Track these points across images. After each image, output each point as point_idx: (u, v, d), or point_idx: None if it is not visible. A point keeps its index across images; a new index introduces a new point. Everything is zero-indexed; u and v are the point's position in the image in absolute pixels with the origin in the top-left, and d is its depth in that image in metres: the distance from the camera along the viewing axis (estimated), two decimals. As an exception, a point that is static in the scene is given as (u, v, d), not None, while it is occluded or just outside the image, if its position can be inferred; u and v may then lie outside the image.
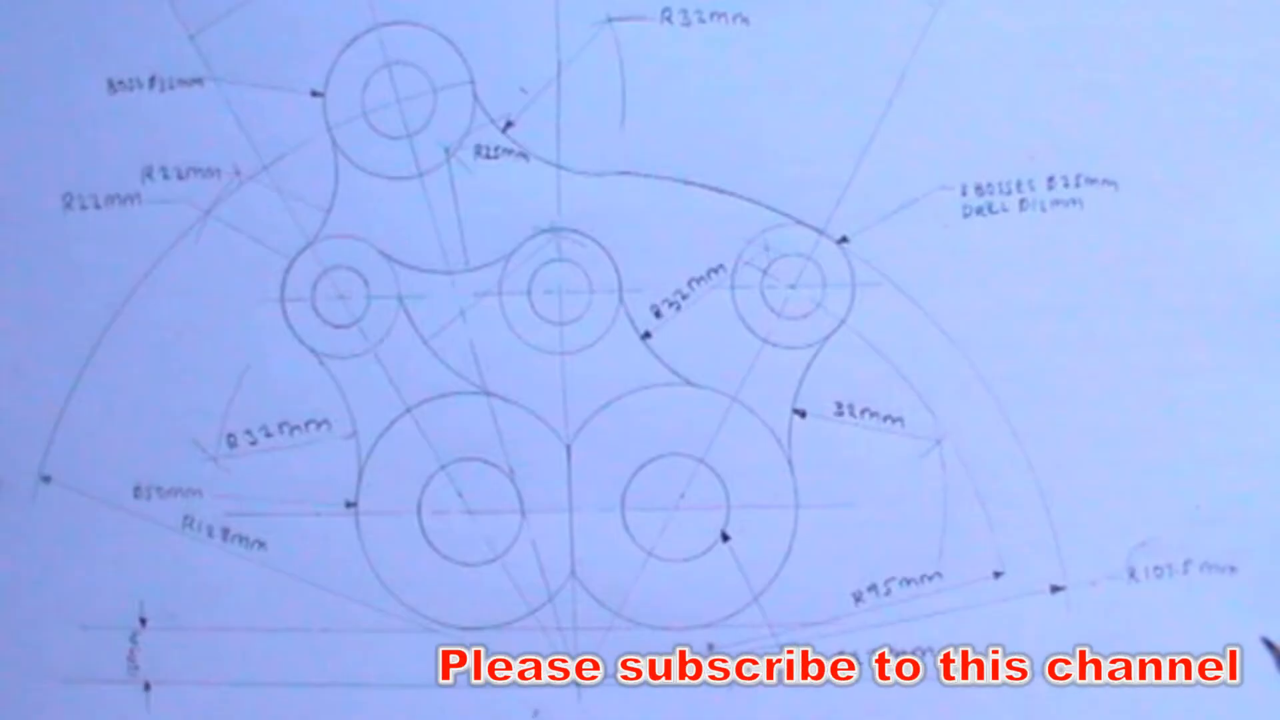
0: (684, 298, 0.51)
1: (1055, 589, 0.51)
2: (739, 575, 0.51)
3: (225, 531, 0.52)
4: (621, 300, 0.51)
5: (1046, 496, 0.50)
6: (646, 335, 0.51)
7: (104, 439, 0.52)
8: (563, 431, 0.51)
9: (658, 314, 0.51)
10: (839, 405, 0.51)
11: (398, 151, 0.51)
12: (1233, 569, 0.50)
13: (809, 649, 0.51)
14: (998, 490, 0.51)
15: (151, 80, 0.51)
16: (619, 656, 0.52)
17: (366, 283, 0.52)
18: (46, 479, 0.53)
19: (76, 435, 0.52)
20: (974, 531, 0.51)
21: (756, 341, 0.51)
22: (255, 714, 0.53)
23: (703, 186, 0.51)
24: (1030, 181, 0.50)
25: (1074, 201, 0.50)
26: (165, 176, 0.52)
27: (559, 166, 0.51)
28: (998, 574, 0.51)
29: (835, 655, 0.51)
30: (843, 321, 0.51)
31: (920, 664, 0.51)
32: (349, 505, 0.52)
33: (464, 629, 0.52)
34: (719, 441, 0.51)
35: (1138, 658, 0.50)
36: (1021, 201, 0.50)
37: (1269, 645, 0.50)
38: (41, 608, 0.53)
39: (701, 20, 0.50)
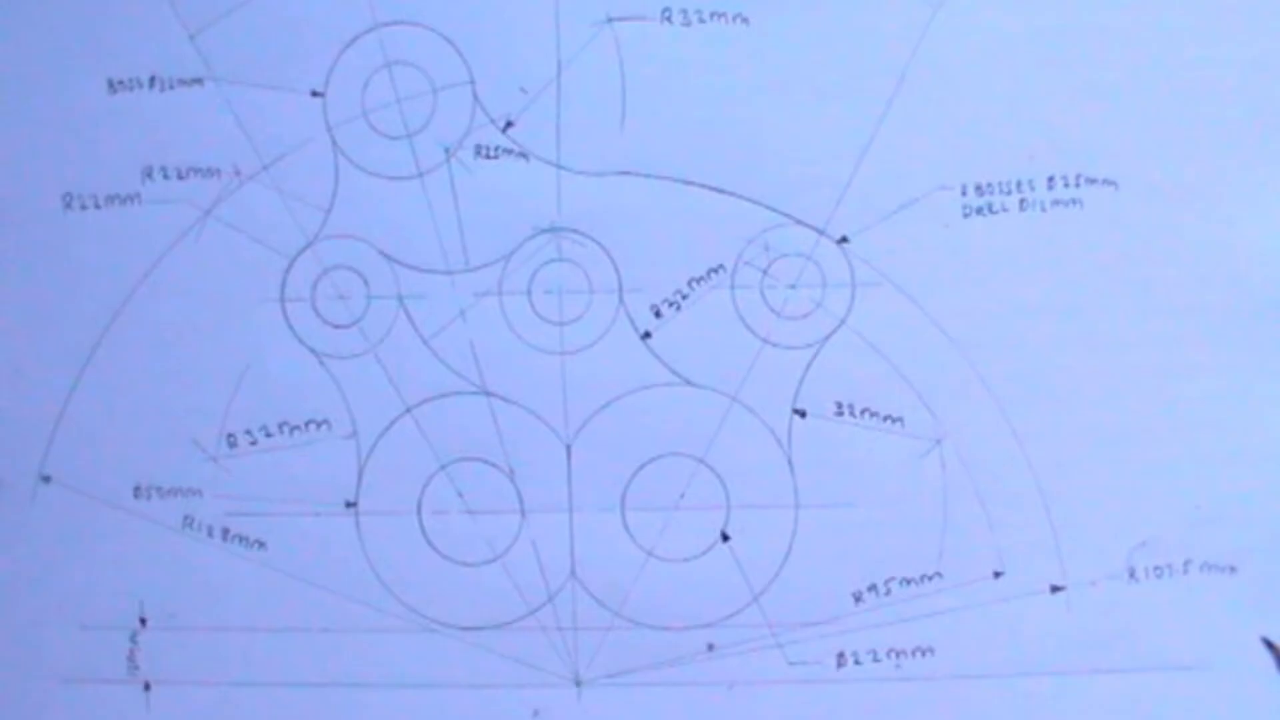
0: (684, 298, 0.51)
1: (1055, 589, 0.51)
2: (739, 575, 0.51)
3: (225, 531, 0.52)
4: (621, 300, 0.51)
5: (1046, 496, 0.50)
6: (646, 335, 0.51)
7: (104, 439, 0.52)
8: (563, 431, 0.51)
9: (658, 314, 0.51)
10: (839, 405, 0.51)
11: (398, 151, 0.51)
12: (1233, 569, 0.50)
13: (809, 649, 0.51)
14: (998, 490, 0.51)
15: (151, 80, 0.51)
16: (619, 656, 0.52)
17: (366, 283, 0.52)
18: (46, 479, 0.53)
19: (76, 435, 0.52)
20: (974, 531, 0.51)
21: (756, 341, 0.51)
22: (255, 714, 0.53)
23: (703, 186, 0.51)
24: (1030, 181, 0.50)
25: (1074, 201, 0.50)
26: (165, 176, 0.52)
27: (559, 166, 0.51)
28: (998, 574, 0.51)
29: (835, 655, 0.51)
30: (843, 321, 0.51)
31: (920, 664, 0.51)
32: (349, 505, 0.52)
33: (464, 629, 0.52)
34: (719, 441, 0.51)
35: (1137, 657, 0.51)
36: (1021, 201, 0.50)
37: (1269, 645, 0.50)
38: (41, 608, 0.53)
39: (701, 20, 0.50)
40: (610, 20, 0.50)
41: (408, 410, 0.52)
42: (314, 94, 0.51)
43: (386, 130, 0.51)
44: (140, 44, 0.51)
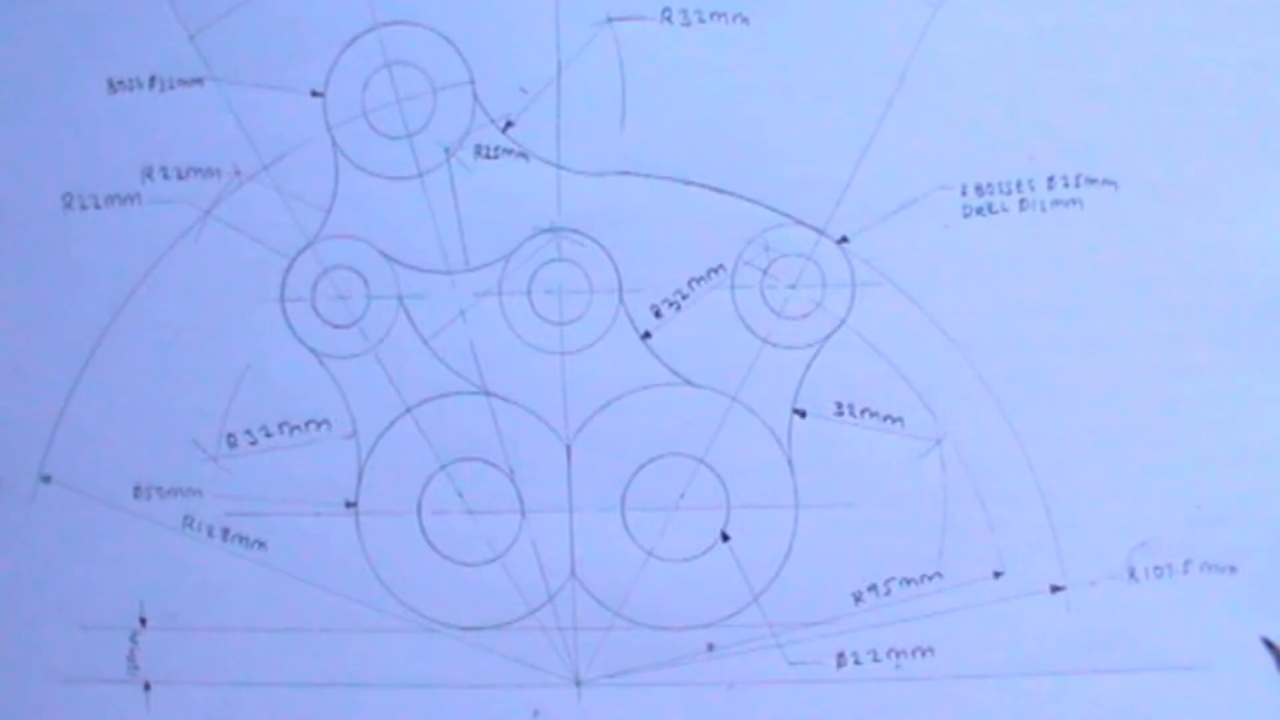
0: (684, 298, 0.51)
1: (1055, 589, 0.51)
2: (739, 575, 0.51)
3: (225, 531, 0.52)
4: (621, 300, 0.51)
5: (1046, 496, 0.50)
6: (646, 335, 0.51)
7: (104, 439, 0.52)
8: (563, 431, 0.51)
9: (658, 314, 0.51)
10: (839, 405, 0.51)
11: (398, 151, 0.51)
12: (1233, 569, 0.50)
13: (809, 649, 0.51)
14: (998, 490, 0.51)
15: (151, 80, 0.51)
16: (619, 656, 0.52)
17: (366, 283, 0.52)
18: (46, 479, 0.53)
19: (76, 435, 0.52)
20: (974, 531, 0.51)
21: (756, 341, 0.51)
22: (255, 714, 0.53)
23: (703, 186, 0.51)
24: (1030, 181, 0.50)
25: (1074, 201, 0.50)
26: (165, 176, 0.52)
27: (559, 166, 0.51)
28: (998, 574, 0.51)
29: (835, 655, 0.51)
30: (843, 321, 0.51)
31: (920, 664, 0.51)
32: (349, 505, 0.52)
33: (464, 629, 0.52)
34: (719, 441, 0.51)
35: (1137, 657, 0.51)
36: (1021, 201, 0.50)
37: (1269, 645, 0.50)
38: (41, 608, 0.53)
39: (701, 20, 0.50)
40: (610, 20, 0.50)
41: (408, 410, 0.52)
42: (314, 94, 0.51)
43: (386, 130, 0.51)
44: (140, 44, 0.51)
